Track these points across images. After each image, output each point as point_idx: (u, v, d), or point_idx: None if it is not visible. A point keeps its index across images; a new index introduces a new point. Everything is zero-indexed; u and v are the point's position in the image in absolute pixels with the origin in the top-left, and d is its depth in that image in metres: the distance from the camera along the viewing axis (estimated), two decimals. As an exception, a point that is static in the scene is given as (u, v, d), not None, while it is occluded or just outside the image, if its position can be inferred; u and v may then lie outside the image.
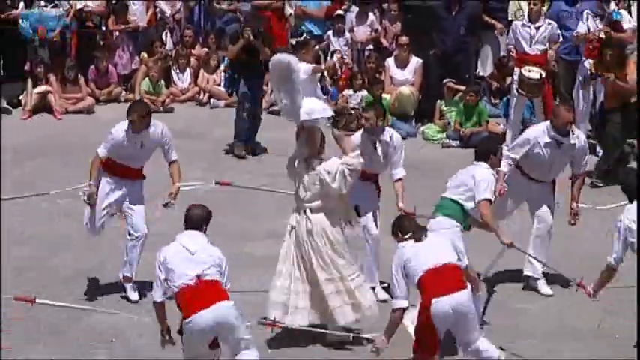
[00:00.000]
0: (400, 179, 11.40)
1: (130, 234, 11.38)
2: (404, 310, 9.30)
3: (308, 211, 10.53)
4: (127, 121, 11.08)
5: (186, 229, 9.27)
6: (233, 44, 16.14)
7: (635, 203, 9.75)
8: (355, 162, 10.51)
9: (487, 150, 10.77)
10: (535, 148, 11.48)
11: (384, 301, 11.23)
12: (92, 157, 11.21)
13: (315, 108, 10.80)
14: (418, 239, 9.38)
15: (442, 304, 9.09)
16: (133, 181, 11.40)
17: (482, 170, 10.61)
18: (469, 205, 10.45)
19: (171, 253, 9.08)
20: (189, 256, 9.03)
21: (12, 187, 14.15)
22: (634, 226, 9.62)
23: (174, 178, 11.31)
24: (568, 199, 11.61)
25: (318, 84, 11.31)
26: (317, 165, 10.54)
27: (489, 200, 10.46)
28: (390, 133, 11.43)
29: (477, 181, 10.49)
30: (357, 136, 11.43)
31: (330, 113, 10.95)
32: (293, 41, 14.37)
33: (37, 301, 10.28)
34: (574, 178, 11.69)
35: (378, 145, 11.26)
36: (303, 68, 11.09)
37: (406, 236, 9.41)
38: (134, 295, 11.34)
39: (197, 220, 9.29)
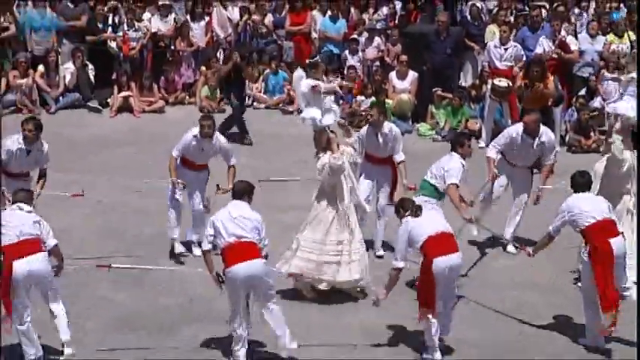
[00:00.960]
0: (402, 162, 11.44)
1: (193, 210, 11.57)
2: (400, 269, 9.32)
3: (317, 191, 10.64)
4: (197, 128, 11.23)
5: (233, 199, 9.32)
6: (225, 64, 16.36)
7: (578, 194, 9.80)
8: (337, 163, 10.42)
9: (455, 142, 10.99)
10: (514, 144, 11.57)
11: (381, 257, 11.45)
12: (164, 150, 11.41)
13: (317, 117, 10.86)
14: (416, 215, 9.39)
15: (441, 262, 9.14)
16: (199, 171, 11.49)
17: (454, 160, 10.73)
18: (441, 186, 10.57)
19: (220, 217, 9.18)
20: (232, 220, 9.06)
21: (102, 168, 14.27)
22: (573, 208, 9.66)
23: (228, 179, 11.17)
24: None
25: (329, 96, 11.30)
26: (321, 159, 10.55)
27: (455, 184, 10.53)
28: (389, 127, 11.52)
29: (447, 169, 10.62)
30: (363, 129, 11.50)
31: (330, 122, 11.00)
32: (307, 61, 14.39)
33: (112, 266, 10.35)
34: (543, 168, 11.74)
35: (379, 135, 11.30)
36: (305, 83, 11.05)
37: (407, 213, 9.45)
38: (197, 252, 11.28)
39: (241, 191, 9.35)
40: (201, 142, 11.27)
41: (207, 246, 9.16)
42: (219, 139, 11.44)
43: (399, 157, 11.43)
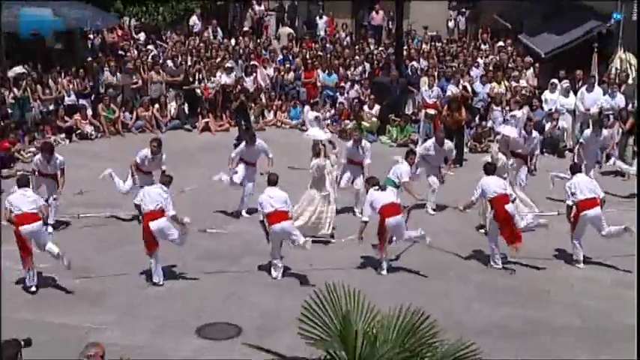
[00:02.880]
0: (368, 164, 11.39)
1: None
2: (366, 222, 9.34)
3: (311, 180, 10.71)
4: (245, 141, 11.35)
5: (269, 186, 9.45)
6: (235, 101, 16.33)
7: (487, 176, 9.75)
8: (322, 164, 10.53)
9: (407, 154, 11.08)
10: (429, 150, 11.66)
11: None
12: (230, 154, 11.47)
13: (317, 134, 11.00)
14: (381, 189, 9.45)
15: (391, 220, 9.32)
16: (251, 167, 11.48)
17: (404, 165, 10.78)
18: (397, 182, 10.44)
19: (263, 196, 9.38)
20: (270, 199, 9.24)
21: (196, 164, 14.16)
22: (484, 185, 9.64)
23: (269, 164, 11.30)
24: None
25: (322, 121, 11.60)
26: (313, 161, 10.65)
27: (407, 181, 10.59)
28: (364, 142, 11.53)
29: (400, 173, 10.63)
30: (349, 144, 11.47)
31: (322, 138, 11.18)
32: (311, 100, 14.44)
33: (207, 231, 10.49)
34: (446, 161, 11.86)
35: (359, 147, 11.31)
36: (311, 114, 11.33)
37: (373, 188, 9.48)
38: (245, 215, 11.42)
39: (274, 180, 9.49)
40: (250, 147, 11.33)
41: (261, 217, 9.28)
42: (260, 143, 11.46)
43: (367, 161, 11.42)
